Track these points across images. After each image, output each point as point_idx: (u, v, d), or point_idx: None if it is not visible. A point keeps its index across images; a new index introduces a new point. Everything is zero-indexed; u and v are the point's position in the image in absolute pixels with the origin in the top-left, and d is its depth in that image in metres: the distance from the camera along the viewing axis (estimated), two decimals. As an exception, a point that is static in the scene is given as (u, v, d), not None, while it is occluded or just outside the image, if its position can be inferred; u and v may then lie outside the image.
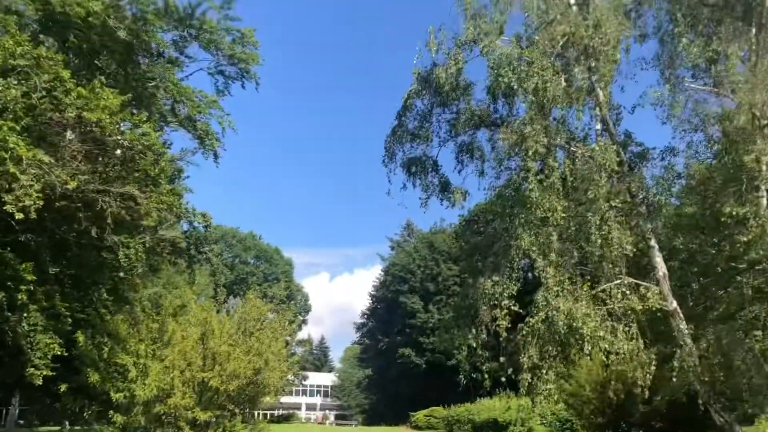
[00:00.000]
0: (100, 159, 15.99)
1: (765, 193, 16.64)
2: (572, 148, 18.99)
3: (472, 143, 22.88)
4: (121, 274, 21.21)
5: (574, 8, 19.14)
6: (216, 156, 25.60)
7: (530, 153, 16.84)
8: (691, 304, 19.55)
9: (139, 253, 20.21)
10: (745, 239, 16.57)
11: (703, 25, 17.96)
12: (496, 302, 17.74)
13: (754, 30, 18.05)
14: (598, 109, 19.37)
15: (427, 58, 21.36)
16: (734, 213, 16.42)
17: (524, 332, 17.24)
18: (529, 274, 29.97)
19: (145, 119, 17.17)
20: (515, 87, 17.47)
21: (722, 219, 16.80)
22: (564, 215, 17.42)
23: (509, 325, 17.66)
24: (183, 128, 24.27)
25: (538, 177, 17.09)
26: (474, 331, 18.49)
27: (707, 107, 18.98)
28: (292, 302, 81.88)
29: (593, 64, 17.71)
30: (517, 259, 18.07)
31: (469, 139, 22.90)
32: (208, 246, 29.84)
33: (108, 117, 15.13)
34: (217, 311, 25.20)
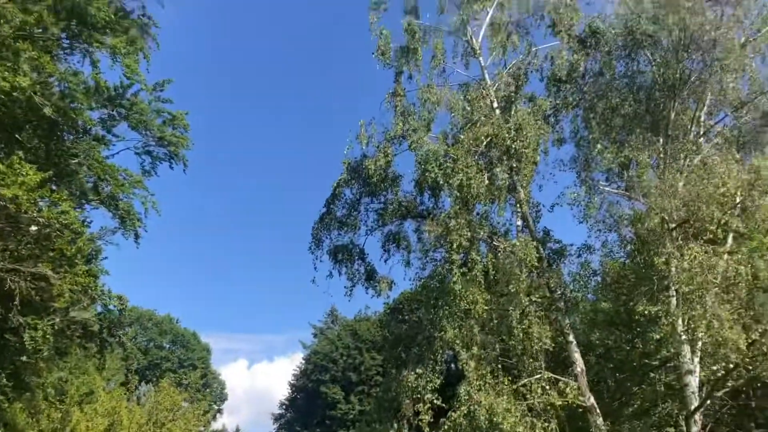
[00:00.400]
0: (13, 236, 15.30)
1: (675, 294, 17.40)
2: (494, 243, 19.53)
3: (398, 233, 23.25)
4: (24, 358, 19.94)
5: (498, 111, 20.16)
6: (137, 236, 24.98)
7: (454, 246, 17.25)
8: (607, 399, 19.90)
9: (47, 336, 19.10)
10: (657, 337, 17.19)
11: (616, 132, 19.22)
12: (419, 396, 17.57)
13: (662, 140, 19.42)
14: (519, 206, 20.13)
15: (357, 149, 21.89)
16: (646, 311, 17.08)
17: (446, 427, 17.03)
18: (453, 366, 30.04)
19: (65, 197, 16.69)
20: (441, 182, 18.06)
21: (635, 317, 17.43)
22: (486, 308, 17.69)
23: (432, 420, 17.44)
24: (104, 207, 23.67)
25: (462, 269, 17.43)
26: (396, 425, 18.16)
27: (620, 209, 20.05)
28: (208, 390, 78.36)
29: (515, 164, 18.54)
30: (441, 351, 18.11)
31: (396, 229, 23.28)
32: (122, 329, 28.52)
33: (25, 193, 14.61)
34: (128, 399, 23.89)
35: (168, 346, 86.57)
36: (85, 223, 22.71)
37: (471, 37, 21.69)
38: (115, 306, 23.32)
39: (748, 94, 19.93)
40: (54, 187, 19.31)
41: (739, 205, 17.19)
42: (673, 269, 17.39)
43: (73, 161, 22.41)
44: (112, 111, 23.22)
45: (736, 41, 18.73)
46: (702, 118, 19.77)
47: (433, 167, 18.22)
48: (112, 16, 19.70)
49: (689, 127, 19.46)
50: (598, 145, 18.72)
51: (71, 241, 16.33)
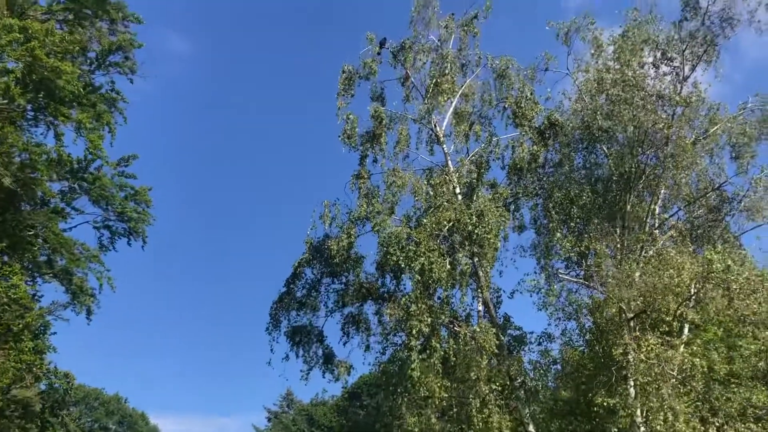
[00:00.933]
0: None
1: (633, 385, 17.38)
2: (455, 328, 19.42)
3: (359, 315, 22.95)
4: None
5: (460, 197, 20.51)
6: (89, 312, 24.31)
7: (414, 332, 17.09)
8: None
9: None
10: (615, 429, 17.02)
11: (574, 221, 19.64)
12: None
13: (618, 231, 19.88)
14: (480, 291, 20.19)
15: (320, 229, 21.92)
16: (605, 403, 16.97)
17: None
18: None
19: (17, 270, 16.22)
20: (403, 265, 18.06)
21: (594, 408, 17.30)
22: (446, 395, 17.41)
23: None
24: (57, 281, 23.07)
25: (421, 356, 17.22)
26: None
27: (580, 297, 20.21)
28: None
29: (476, 250, 18.71)
30: (400, 440, 17.64)
31: (357, 311, 23.01)
32: (66, 409, 27.23)
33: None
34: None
35: (114, 427, 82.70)
36: (36, 297, 22.05)
37: (435, 125, 22.30)
38: (60, 384, 22.33)
39: (698, 190, 20.73)
40: (6, 259, 18.76)
41: (693, 297, 17.51)
42: (631, 360, 17.42)
43: (29, 233, 21.95)
44: (74, 184, 23.04)
45: (687, 139, 19.61)
46: (657, 211, 20.37)
47: (395, 250, 18.27)
48: (81, 91, 19.79)
49: (645, 219, 20.00)
50: (558, 234, 19.04)
51: (19, 317, 15.71)
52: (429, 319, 17.55)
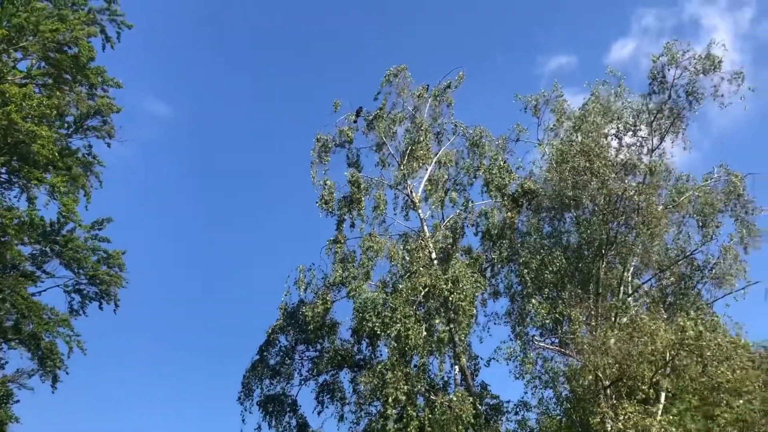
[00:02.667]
0: None
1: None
2: (432, 397, 19.12)
3: (334, 383, 22.60)
4: None
5: (436, 262, 20.58)
6: (55, 379, 23.56)
7: (390, 400, 16.81)
8: None
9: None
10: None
11: (548, 288, 19.74)
12: None
13: (592, 297, 20.01)
14: (457, 359, 20.02)
15: (295, 295, 21.74)
16: (584, 473, 16.70)
17: None
18: None
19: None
20: (379, 332, 17.91)
21: (573, 478, 17.00)
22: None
23: None
24: (23, 347, 22.41)
25: (397, 425, 16.89)
26: None
27: (556, 365, 20.10)
28: None
29: (452, 316, 18.66)
30: None
31: (332, 378, 22.67)
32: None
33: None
34: None
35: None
36: (0, 364, 21.36)
37: (411, 191, 22.59)
38: (21, 457, 21.36)
39: (669, 258, 21.08)
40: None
41: (668, 365, 17.53)
42: (609, 429, 17.25)
43: (-4, 297, 21.46)
44: (45, 247, 22.71)
45: (657, 208, 20.05)
46: (629, 278, 20.60)
47: (371, 316, 18.14)
48: (56, 155, 19.76)
49: (618, 286, 20.20)
50: (533, 300, 19.10)
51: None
52: (405, 387, 17.29)
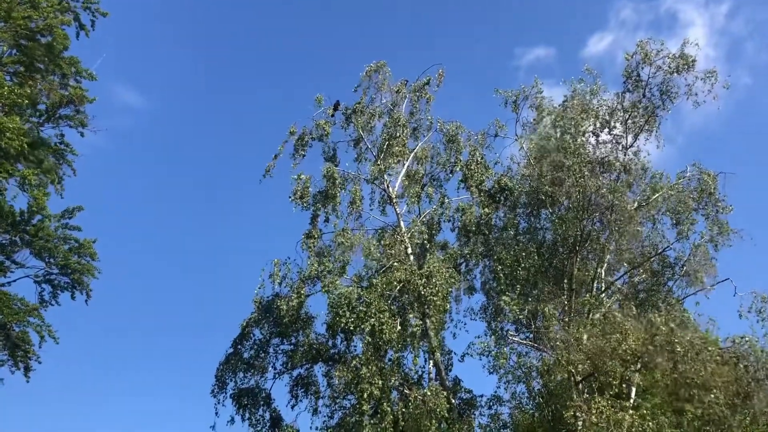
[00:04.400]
0: None
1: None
2: (406, 391, 19.15)
3: (308, 377, 22.45)
4: None
5: (412, 257, 20.59)
6: (27, 369, 23.20)
7: (365, 395, 16.78)
8: None
9: None
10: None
11: (521, 284, 19.87)
12: None
13: (566, 293, 20.19)
14: (431, 353, 20.06)
15: (269, 288, 21.60)
16: (556, 467, 16.85)
17: None
18: None
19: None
20: (353, 327, 17.87)
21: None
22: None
23: None
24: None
25: (371, 421, 16.88)
26: None
27: (529, 360, 20.25)
28: None
29: (427, 311, 18.69)
30: None
31: (306, 372, 22.50)
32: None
33: None
34: None
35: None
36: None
37: (387, 186, 22.56)
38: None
39: (642, 255, 21.33)
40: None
41: (639, 361, 17.74)
42: (581, 423, 17.43)
43: (-37, 289, 21.04)
44: (15, 237, 22.32)
45: (630, 206, 20.27)
46: (602, 275, 20.82)
47: (344, 311, 18.09)
48: (26, 147, 19.38)
49: (591, 282, 20.40)
50: (506, 296, 19.19)
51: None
52: (380, 382, 17.29)
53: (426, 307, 18.62)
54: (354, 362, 17.95)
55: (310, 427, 21.24)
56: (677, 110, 21.68)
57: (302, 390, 22.25)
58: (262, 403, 22.16)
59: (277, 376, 22.36)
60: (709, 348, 16.70)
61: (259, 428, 21.71)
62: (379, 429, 16.75)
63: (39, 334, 22.60)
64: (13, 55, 21.32)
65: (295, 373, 22.36)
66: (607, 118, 21.70)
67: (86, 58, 23.68)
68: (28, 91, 19.93)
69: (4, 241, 22.48)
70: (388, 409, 17.38)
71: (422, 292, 18.38)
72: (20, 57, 21.05)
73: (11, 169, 20.04)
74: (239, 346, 22.40)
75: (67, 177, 22.50)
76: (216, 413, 21.68)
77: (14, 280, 23.44)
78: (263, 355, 22.34)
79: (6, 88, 19.60)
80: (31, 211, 21.99)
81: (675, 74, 20.81)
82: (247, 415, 21.85)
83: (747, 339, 17.36)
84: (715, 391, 16.21)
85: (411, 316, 18.47)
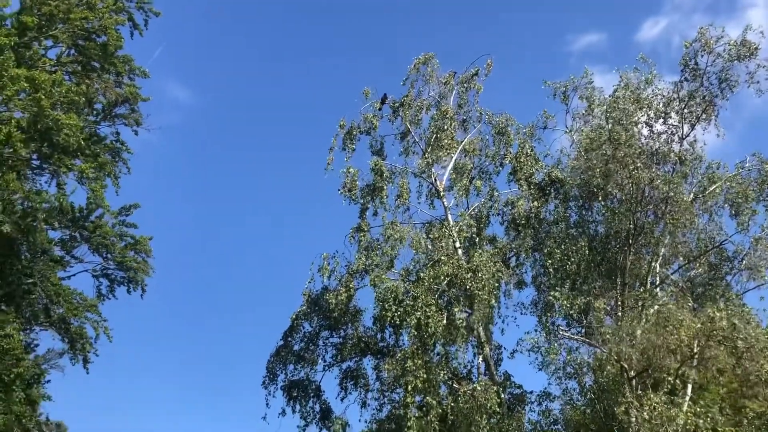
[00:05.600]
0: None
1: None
2: (455, 385, 19.06)
3: (357, 370, 22.63)
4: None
5: (460, 251, 20.43)
6: (86, 361, 24.02)
7: (410, 388, 16.78)
8: None
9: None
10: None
11: (572, 279, 19.48)
12: None
13: (618, 287, 19.72)
14: (480, 348, 19.91)
15: (318, 282, 21.80)
16: (608, 463, 16.52)
17: None
18: None
19: (11, 319, 16.10)
20: (399, 321, 17.87)
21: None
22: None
23: None
24: (54, 329, 22.92)
25: (417, 414, 16.87)
26: None
27: (581, 355, 19.86)
28: None
29: (473, 305, 18.52)
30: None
31: (355, 365, 22.69)
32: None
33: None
34: None
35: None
36: (32, 346, 21.85)
37: (435, 179, 22.44)
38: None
39: (698, 248, 20.64)
40: (3, 307, 18.66)
41: (696, 356, 17.22)
42: (634, 419, 17.04)
43: (28, 281, 21.91)
44: (74, 232, 23.11)
45: (686, 197, 19.62)
46: (657, 269, 20.24)
47: (391, 305, 18.10)
48: (82, 142, 20.01)
49: (645, 276, 19.87)
50: (557, 291, 18.86)
51: (11, 366, 15.52)
52: (425, 375, 17.25)
53: (472, 301, 18.46)
54: (400, 355, 17.96)
55: (359, 420, 21.43)
56: (736, 96, 20.82)
57: (351, 383, 22.43)
58: (312, 395, 22.44)
59: (326, 368, 22.62)
60: (773, 344, 16.08)
61: (309, 420, 22.02)
62: (424, 422, 16.70)
63: (95, 330, 23.39)
64: (71, 55, 22.10)
65: (344, 365, 22.57)
66: (662, 108, 21.06)
67: (139, 56, 24.34)
68: (85, 89, 20.63)
69: (64, 237, 23.38)
70: (434, 402, 17.33)
71: (468, 287, 18.23)
72: (77, 57, 21.79)
73: (70, 164, 20.77)
74: (289, 339, 22.70)
75: (122, 175, 23.24)
76: (267, 404, 22.07)
77: (74, 275, 24.37)
78: (313, 347, 22.60)
79: (65, 86, 20.30)
80: (90, 207, 22.78)
81: (735, 62, 20.01)
82: (297, 406, 22.19)
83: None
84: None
85: (456, 310, 18.31)
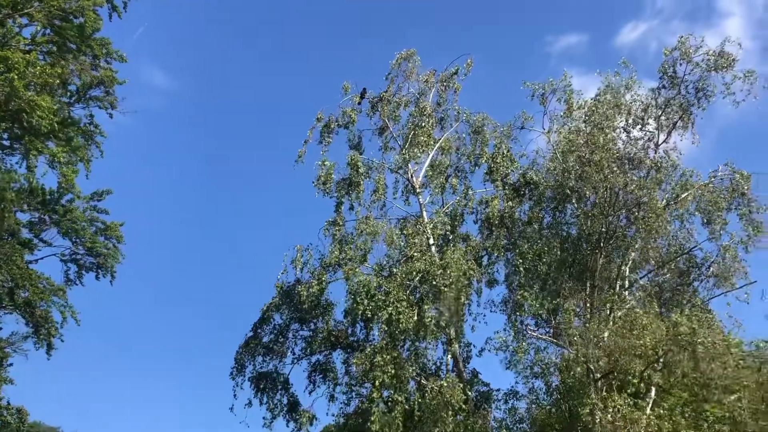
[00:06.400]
0: None
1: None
2: (423, 381, 19.11)
3: (326, 364, 22.63)
4: None
5: (433, 248, 20.49)
6: (49, 347, 23.69)
7: (377, 383, 16.80)
8: None
9: None
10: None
11: (542, 279, 19.63)
12: None
13: (588, 289, 19.90)
14: (449, 345, 19.98)
15: (291, 274, 21.71)
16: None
17: None
18: None
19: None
20: (370, 315, 17.87)
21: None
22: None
23: None
24: (18, 312, 22.54)
25: (382, 409, 16.89)
26: None
27: (548, 355, 20.02)
28: None
29: (441, 302, 18.56)
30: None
31: (324, 359, 22.69)
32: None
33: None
34: None
35: (70, 469, 79.67)
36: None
37: (412, 176, 22.46)
38: (12, 420, 21.59)
39: (668, 253, 20.90)
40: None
41: (660, 360, 17.46)
42: (597, 420, 17.23)
43: (-8, 263, 21.53)
44: (44, 215, 22.75)
45: (658, 203, 19.84)
46: (626, 272, 20.46)
47: (362, 299, 18.10)
48: (55, 125, 19.66)
49: (614, 279, 20.07)
50: (524, 292, 18.99)
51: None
52: (393, 371, 17.28)
53: (440, 297, 18.50)
54: (369, 350, 17.96)
55: (327, 414, 21.41)
56: (710, 104, 21.09)
57: (320, 376, 22.43)
58: (280, 387, 22.40)
59: (295, 361, 22.58)
60: (732, 350, 16.36)
61: (276, 412, 21.97)
62: (388, 419, 16.74)
63: (62, 314, 23.06)
64: (47, 35, 21.69)
65: (313, 359, 22.58)
66: (641, 113, 21.30)
67: (117, 39, 23.94)
68: (59, 71, 20.26)
69: (33, 219, 22.96)
70: (400, 399, 17.38)
71: (438, 283, 18.28)
72: (53, 37, 21.41)
73: (41, 147, 20.40)
74: (259, 330, 22.62)
75: (95, 158, 22.90)
76: (234, 395, 21.97)
77: (41, 258, 23.98)
78: (282, 339, 22.55)
79: (39, 67, 19.91)
80: (61, 191, 22.41)
81: (713, 72, 20.28)
82: (264, 398, 22.10)
83: (772, 343, 16.98)
84: (736, 394, 15.89)
85: (426, 307, 18.32)
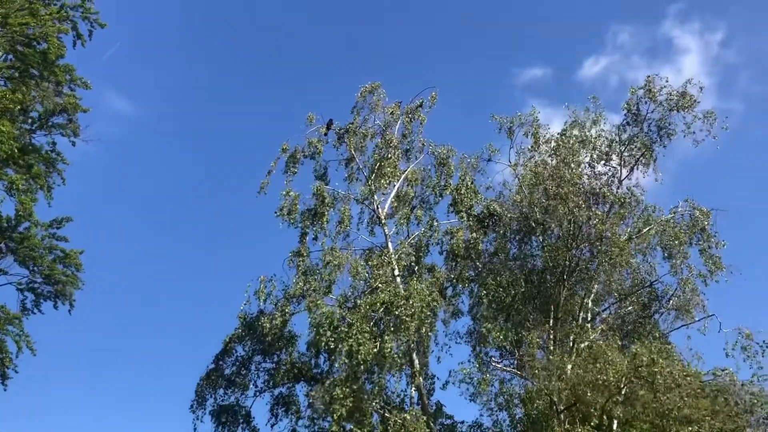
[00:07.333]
0: None
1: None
2: (386, 414, 18.87)
3: (289, 396, 22.22)
4: None
5: (399, 279, 20.40)
6: (4, 377, 22.96)
7: (335, 416, 16.52)
8: None
9: None
10: None
11: (506, 311, 19.66)
12: None
13: (552, 322, 19.97)
14: (413, 377, 19.80)
15: (254, 305, 21.42)
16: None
17: None
18: None
19: None
20: (332, 347, 17.64)
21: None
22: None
23: None
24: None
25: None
26: None
27: (512, 387, 19.95)
28: None
29: (401, 333, 18.41)
30: None
31: (287, 391, 22.28)
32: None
33: None
34: None
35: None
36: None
37: (377, 207, 22.46)
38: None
39: (631, 286, 21.14)
40: None
41: (622, 393, 17.50)
42: (561, 453, 17.16)
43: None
44: (0, 243, 22.19)
45: (621, 237, 20.11)
46: (589, 305, 20.62)
47: (326, 331, 17.88)
48: (15, 152, 19.32)
49: (577, 312, 20.20)
50: (491, 322, 18.99)
51: None
52: (351, 404, 17.00)
53: (405, 329, 18.35)
54: (328, 383, 17.68)
55: (288, 448, 20.96)
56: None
57: (283, 409, 22.00)
58: (241, 420, 21.90)
59: (258, 394, 22.12)
60: (689, 380, 16.47)
61: (236, 446, 21.41)
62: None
63: (17, 344, 22.39)
64: (9, 60, 21.42)
65: (276, 391, 22.13)
66: (605, 149, 21.68)
67: (78, 64, 23.69)
68: (21, 97, 19.94)
69: (-12, 247, 22.38)
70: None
71: (401, 314, 18.14)
72: (15, 63, 21.15)
73: (0, 173, 19.99)
74: (221, 362, 22.18)
75: (57, 186, 22.48)
76: (194, 429, 21.43)
77: (-3, 288, 23.30)
78: (245, 372, 22.11)
79: (-1, 92, 19.62)
80: (18, 218, 21.93)
81: (674, 111, 20.76)
82: (226, 432, 21.56)
83: (727, 372, 17.18)
84: (695, 424, 15.96)
85: (387, 338, 18.11)
